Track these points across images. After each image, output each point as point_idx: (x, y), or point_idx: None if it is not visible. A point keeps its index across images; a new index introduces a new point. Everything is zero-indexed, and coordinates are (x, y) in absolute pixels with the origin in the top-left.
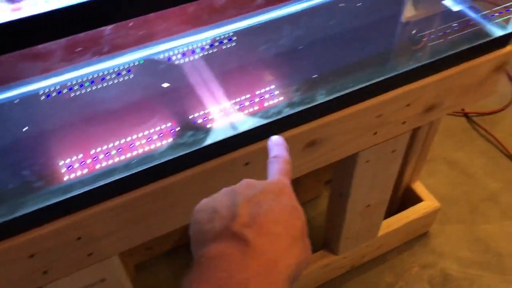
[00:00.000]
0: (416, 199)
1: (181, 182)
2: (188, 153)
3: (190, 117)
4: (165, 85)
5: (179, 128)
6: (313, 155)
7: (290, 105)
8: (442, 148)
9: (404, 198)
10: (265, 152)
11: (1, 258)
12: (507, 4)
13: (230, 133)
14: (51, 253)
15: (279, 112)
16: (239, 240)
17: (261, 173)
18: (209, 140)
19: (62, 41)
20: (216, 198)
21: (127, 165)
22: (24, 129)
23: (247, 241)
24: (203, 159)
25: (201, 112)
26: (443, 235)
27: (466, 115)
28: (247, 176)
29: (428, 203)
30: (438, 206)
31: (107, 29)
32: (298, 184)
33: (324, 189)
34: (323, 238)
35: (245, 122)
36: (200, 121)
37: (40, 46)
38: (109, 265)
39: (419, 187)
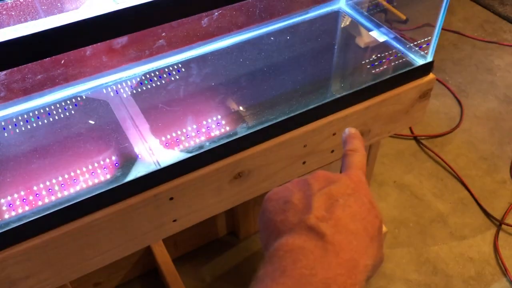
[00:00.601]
0: None
1: (104, 219)
2: (109, 189)
3: (112, 153)
4: (91, 122)
5: (101, 165)
6: (242, 186)
7: (215, 138)
8: (393, 171)
9: None
10: (190, 186)
11: None
12: (427, 38)
13: (153, 168)
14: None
15: (202, 147)
16: (317, 235)
17: (189, 205)
18: (131, 176)
19: None
20: (288, 187)
21: (43, 206)
22: None
23: (325, 236)
24: (126, 195)
25: (124, 148)
26: (394, 258)
27: (415, 138)
28: (173, 210)
29: None
30: (385, 230)
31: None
32: (247, 213)
33: None
34: None
35: (169, 157)
36: (122, 157)
37: None
38: None
39: None
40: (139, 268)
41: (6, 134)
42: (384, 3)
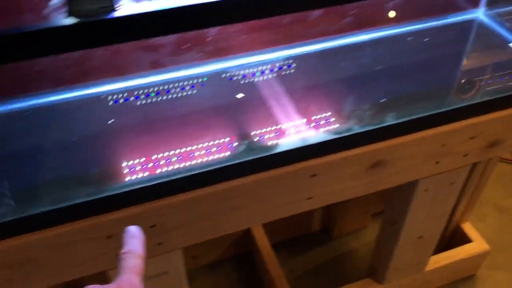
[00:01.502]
0: (465, 239)
1: (249, 185)
2: (258, 158)
3: (263, 127)
4: (240, 95)
5: (252, 136)
6: (376, 176)
7: (359, 124)
8: (493, 193)
9: (452, 237)
10: (333, 166)
11: (83, 235)
12: None
13: (299, 144)
14: None
15: (348, 130)
16: None
17: (326, 185)
18: (278, 149)
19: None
20: None
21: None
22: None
23: None
24: (273, 166)
25: (273, 125)
26: (490, 280)
27: None
28: (311, 187)
29: (477, 244)
30: (488, 249)
31: (182, 39)
32: (345, 213)
33: (370, 221)
34: (369, 267)
35: (315, 136)
36: (271, 132)
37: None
38: (174, 258)
39: (468, 228)
40: (234, 249)
41: (157, 99)
42: None
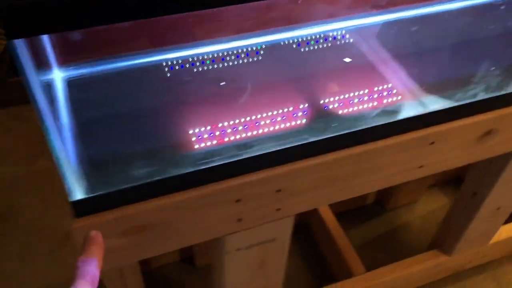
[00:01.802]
0: None
1: (373, 151)
2: (386, 124)
3: (377, 91)
4: (347, 59)
5: (366, 100)
6: (483, 145)
7: (477, 93)
8: None
9: None
10: (452, 134)
11: (213, 199)
12: None
13: (423, 110)
14: (253, 201)
15: (472, 96)
16: None
17: (440, 154)
18: (403, 115)
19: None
20: None
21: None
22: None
23: None
24: (398, 132)
25: (389, 90)
26: None
27: None
28: (427, 155)
29: None
30: None
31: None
32: (401, 186)
33: (424, 194)
34: (435, 238)
35: (436, 102)
36: (394, 96)
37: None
38: (284, 226)
39: None
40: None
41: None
42: None
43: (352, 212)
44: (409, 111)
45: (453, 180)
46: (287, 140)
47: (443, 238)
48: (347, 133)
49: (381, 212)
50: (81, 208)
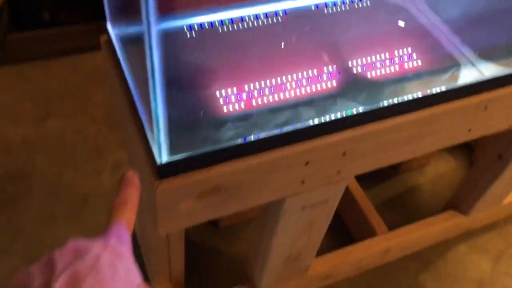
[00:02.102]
0: None
1: (435, 115)
2: (445, 90)
3: (427, 56)
4: (401, 24)
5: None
6: None
7: None
8: None
9: None
10: (504, 99)
11: (284, 161)
12: None
13: (478, 78)
14: (319, 164)
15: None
16: None
17: (488, 118)
18: (461, 82)
19: None
20: (30, 272)
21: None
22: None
23: None
24: (454, 98)
25: (445, 55)
26: None
27: None
28: (478, 120)
29: None
30: None
31: None
32: None
33: (434, 158)
34: (452, 199)
35: (491, 69)
36: (449, 62)
37: None
38: (338, 189)
39: None
40: None
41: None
42: None
43: (367, 175)
44: (465, 77)
45: (461, 145)
46: (356, 105)
47: (461, 199)
48: (407, 100)
49: (394, 175)
50: (164, 170)
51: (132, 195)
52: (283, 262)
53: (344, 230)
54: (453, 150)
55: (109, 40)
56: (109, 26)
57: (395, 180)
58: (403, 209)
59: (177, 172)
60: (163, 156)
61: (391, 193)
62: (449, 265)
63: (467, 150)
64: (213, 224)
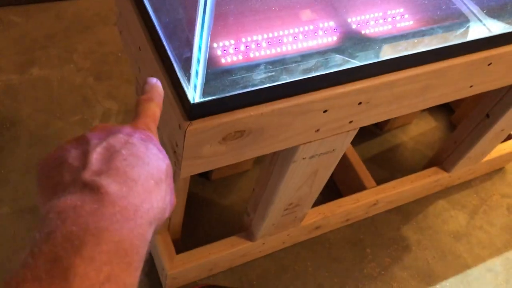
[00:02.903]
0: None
1: (442, 70)
2: (453, 45)
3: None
4: None
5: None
6: None
7: None
8: None
9: None
10: (504, 56)
11: (305, 107)
12: None
13: (485, 34)
14: (336, 112)
15: None
16: (91, 190)
17: (491, 74)
18: (469, 38)
19: None
20: (64, 147)
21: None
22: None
23: (100, 189)
24: (461, 53)
25: (453, 11)
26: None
27: None
28: (480, 76)
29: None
30: None
31: None
32: None
33: (416, 117)
34: (435, 156)
35: (496, 27)
36: (456, 19)
37: None
38: (346, 139)
39: None
40: None
41: None
42: None
43: None
44: (473, 33)
45: (441, 106)
46: (374, 56)
47: (445, 157)
48: (420, 53)
49: (379, 133)
50: (195, 111)
51: (157, 96)
52: (283, 210)
53: (331, 184)
54: (433, 111)
55: None
56: None
57: (380, 138)
58: (387, 165)
59: (206, 114)
60: (196, 95)
61: (376, 150)
62: (429, 218)
63: (447, 112)
64: (205, 176)
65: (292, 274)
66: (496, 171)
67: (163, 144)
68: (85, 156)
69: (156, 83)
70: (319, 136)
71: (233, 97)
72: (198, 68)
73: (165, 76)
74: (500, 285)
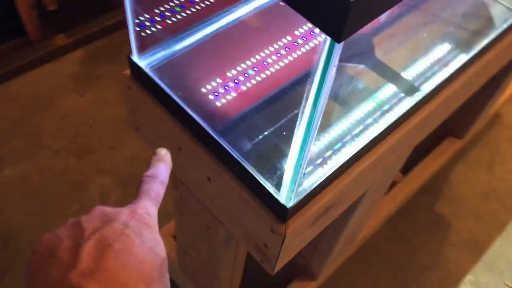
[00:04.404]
0: None
1: None
2: None
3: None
4: None
5: None
6: None
7: None
8: None
9: None
10: None
11: (378, 159)
12: None
13: None
14: (404, 144)
15: None
16: None
17: None
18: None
19: None
20: (58, 234)
21: None
22: None
23: None
24: None
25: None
26: None
27: None
28: None
29: None
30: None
31: None
32: None
33: None
34: (447, 125)
35: None
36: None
37: None
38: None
39: None
40: None
41: None
42: None
43: None
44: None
45: None
46: None
47: (455, 124)
48: None
49: None
50: (291, 212)
51: (162, 171)
52: (343, 245)
53: None
54: None
55: (142, 75)
56: (136, 58)
57: None
58: None
59: (299, 209)
60: (292, 200)
61: None
62: (454, 187)
63: None
64: None
65: None
66: (493, 118)
67: (228, 236)
68: (76, 250)
69: (163, 156)
70: (387, 173)
71: (324, 181)
72: (297, 170)
73: (244, 189)
74: None
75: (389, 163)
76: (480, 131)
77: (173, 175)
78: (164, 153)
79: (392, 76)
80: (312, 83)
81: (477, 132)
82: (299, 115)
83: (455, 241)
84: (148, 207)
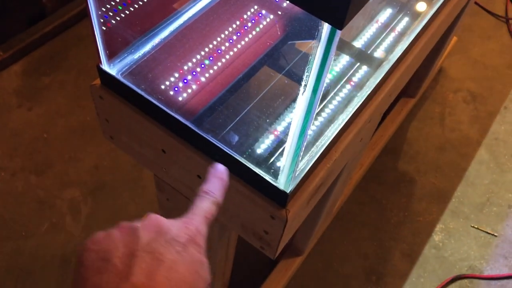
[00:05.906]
0: None
1: None
2: None
3: None
4: None
5: None
6: None
7: None
8: None
9: None
10: None
11: (357, 137)
12: None
13: None
14: (377, 117)
15: None
16: None
17: None
18: None
19: None
20: (113, 238)
21: None
22: None
23: None
24: None
25: None
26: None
27: None
28: None
29: None
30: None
31: None
32: None
33: None
34: None
35: None
36: None
37: None
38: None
39: None
40: None
41: None
42: None
43: None
44: None
45: None
46: None
47: (409, 84)
48: None
49: None
50: (291, 196)
51: (219, 190)
52: (324, 217)
53: None
54: None
55: (114, 83)
56: (106, 67)
57: None
58: None
59: (296, 192)
60: (291, 183)
61: None
62: (413, 144)
63: None
64: None
65: (335, 257)
66: (438, 72)
67: (221, 228)
68: (130, 260)
69: (221, 171)
70: (363, 143)
71: (316, 161)
72: (297, 155)
73: (242, 177)
74: (493, 168)
75: (365, 133)
76: (428, 87)
77: (156, 178)
78: (223, 170)
79: (348, 48)
80: (310, 70)
81: (426, 88)
82: (297, 103)
83: (421, 195)
84: (201, 225)
